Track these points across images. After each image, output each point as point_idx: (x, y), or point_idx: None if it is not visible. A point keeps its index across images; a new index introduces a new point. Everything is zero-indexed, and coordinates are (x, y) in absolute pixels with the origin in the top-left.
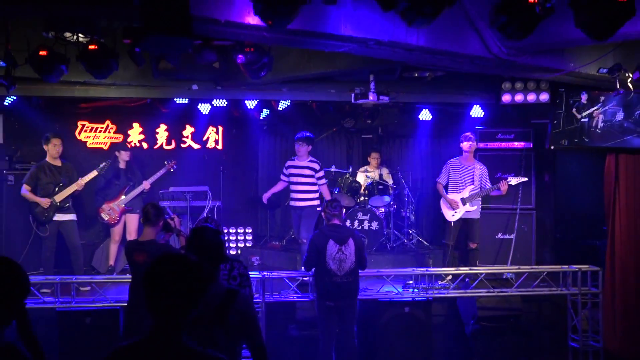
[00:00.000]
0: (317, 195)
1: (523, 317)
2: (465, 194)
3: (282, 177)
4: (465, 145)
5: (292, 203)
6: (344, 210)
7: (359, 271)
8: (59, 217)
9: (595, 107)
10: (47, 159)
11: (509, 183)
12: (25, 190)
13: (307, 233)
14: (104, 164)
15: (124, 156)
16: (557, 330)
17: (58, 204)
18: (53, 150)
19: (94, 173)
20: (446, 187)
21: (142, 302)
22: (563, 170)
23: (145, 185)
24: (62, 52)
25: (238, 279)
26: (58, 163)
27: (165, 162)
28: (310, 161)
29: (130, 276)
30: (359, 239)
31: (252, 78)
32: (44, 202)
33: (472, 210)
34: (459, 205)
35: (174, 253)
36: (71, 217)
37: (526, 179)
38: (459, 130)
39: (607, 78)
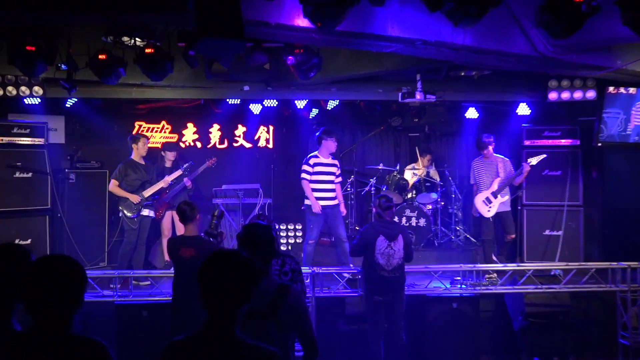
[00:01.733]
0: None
1: (571, 313)
2: (495, 187)
3: (306, 175)
4: (484, 152)
5: (321, 203)
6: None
7: (406, 266)
8: (144, 212)
9: None
10: (134, 157)
11: (530, 164)
12: (114, 185)
13: (345, 231)
14: (187, 164)
15: (169, 156)
16: (606, 327)
17: (146, 199)
18: (142, 149)
19: (179, 172)
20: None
21: (189, 298)
22: (611, 167)
23: (186, 181)
24: (121, 55)
25: (290, 274)
26: (143, 162)
27: (206, 159)
28: (333, 158)
29: (174, 272)
30: (408, 235)
31: (302, 78)
32: (135, 197)
33: (504, 201)
34: (492, 198)
35: (226, 250)
36: (150, 213)
37: (545, 155)
38: (506, 128)
39: None
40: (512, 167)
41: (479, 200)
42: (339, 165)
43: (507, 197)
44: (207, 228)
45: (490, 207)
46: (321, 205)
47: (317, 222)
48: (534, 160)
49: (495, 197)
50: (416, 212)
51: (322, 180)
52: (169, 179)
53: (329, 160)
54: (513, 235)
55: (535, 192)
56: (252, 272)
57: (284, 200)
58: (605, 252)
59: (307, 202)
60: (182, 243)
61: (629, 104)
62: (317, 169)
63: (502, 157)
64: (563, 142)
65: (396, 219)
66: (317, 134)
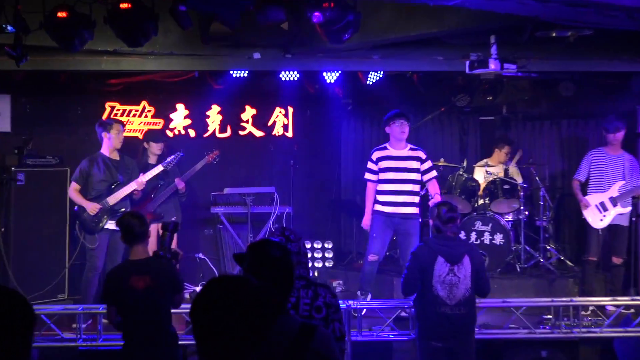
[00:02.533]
0: (419, 198)
1: None
2: (614, 192)
3: (370, 175)
4: (610, 136)
5: (388, 209)
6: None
7: (477, 300)
8: (111, 225)
9: None
10: (104, 150)
11: None
12: (73, 190)
13: None
14: (171, 157)
15: (154, 149)
16: None
17: (111, 208)
18: (116, 139)
19: (157, 169)
20: (585, 186)
21: (145, 346)
22: None
23: (178, 183)
24: (87, 13)
25: (324, 310)
26: (116, 156)
27: (205, 153)
28: (412, 149)
29: (121, 311)
30: (478, 256)
31: (333, 42)
32: (93, 207)
33: (624, 213)
34: (604, 210)
35: (229, 276)
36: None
37: None
38: (615, 109)
39: None
40: (638, 173)
41: (591, 205)
42: (423, 157)
43: (628, 209)
44: (158, 247)
45: (604, 215)
46: (388, 213)
47: (383, 232)
48: None
49: (615, 204)
50: (490, 225)
51: (391, 180)
52: (143, 178)
53: (404, 152)
54: (621, 259)
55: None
56: (264, 307)
57: (309, 208)
58: None
59: (375, 206)
60: (132, 270)
61: None
62: (384, 164)
63: (629, 154)
64: None
65: (463, 234)
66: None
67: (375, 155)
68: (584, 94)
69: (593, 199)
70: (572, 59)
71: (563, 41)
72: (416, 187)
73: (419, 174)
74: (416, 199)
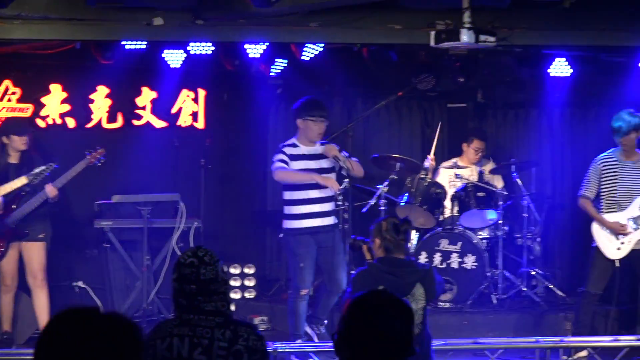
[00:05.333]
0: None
1: None
2: (635, 210)
3: (280, 163)
4: (625, 139)
5: (309, 222)
6: (415, 234)
7: (442, 340)
8: None
9: None
10: None
11: None
12: None
13: (346, 274)
14: (40, 168)
15: (16, 143)
16: None
17: None
18: None
19: (20, 181)
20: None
21: None
22: None
23: (49, 190)
24: None
25: (245, 356)
26: None
27: (87, 153)
28: (323, 144)
29: None
30: (436, 285)
31: (258, 5)
32: None
33: None
34: (627, 228)
35: (80, 308)
36: None
37: None
38: (619, 93)
39: None
40: None
41: (602, 229)
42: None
43: None
44: None
45: (622, 242)
46: (309, 228)
47: (309, 256)
48: None
49: (637, 227)
50: (460, 243)
51: (307, 185)
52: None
53: (317, 148)
54: None
55: None
56: (127, 344)
57: (224, 222)
58: None
59: (288, 223)
60: None
61: None
62: (296, 165)
63: None
64: None
65: (423, 256)
66: (294, 107)
67: (288, 151)
68: (582, 76)
69: (609, 220)
70: (568, 29)
71: (556, 6)
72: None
73: (335, 175)
74: (334, 206)
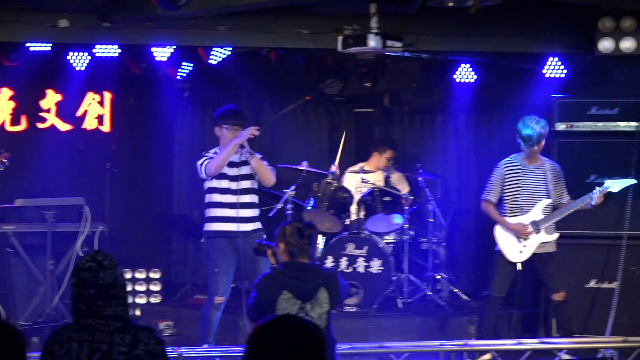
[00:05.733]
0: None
1: None
2: (537, 214)
3: (206, 160)
4: (532, 148)
5: (228, 226)
6: (321, 238)
7: (348, 345)
8: None
9: None
10: None
11: (607, 190)
12: None
13: None
14: None
15: None
16: None
17: None
18: None
19: None
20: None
21: None
22: None
23: None
24: None
25: None
26: None
27: None
28: (248, 152)
29: None
30: (340, 289)
31: (165, 8)
32: None
33: (550, 240)
34: (529, 230)
35: None
36: None
37: (634, 181)
38: (524, 100)
39: None
40: (564, 186)
41: (504, 232)
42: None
43: (555, 236)
44: None
45: (524, 245)
46: (224, 232)
47: (224, 262)
48: (614, 186)
49: (538, 230)
50: (366, 248)
51: (227, 190)
52: None
53: (238, 156)
54: (562, 295)
55: (571, 215)
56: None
57: (130, 227)
58: None
59: (205, 226)
60: None
61: None
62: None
63: (552, 162)
64: (622, 125)
65: (329, 260)
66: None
67: (209, 156)
68: (488, 81)
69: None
70: (474, 36)
71: (462, 13)
72: (255, 198)
73: (256, 181)
74: (257, 212)
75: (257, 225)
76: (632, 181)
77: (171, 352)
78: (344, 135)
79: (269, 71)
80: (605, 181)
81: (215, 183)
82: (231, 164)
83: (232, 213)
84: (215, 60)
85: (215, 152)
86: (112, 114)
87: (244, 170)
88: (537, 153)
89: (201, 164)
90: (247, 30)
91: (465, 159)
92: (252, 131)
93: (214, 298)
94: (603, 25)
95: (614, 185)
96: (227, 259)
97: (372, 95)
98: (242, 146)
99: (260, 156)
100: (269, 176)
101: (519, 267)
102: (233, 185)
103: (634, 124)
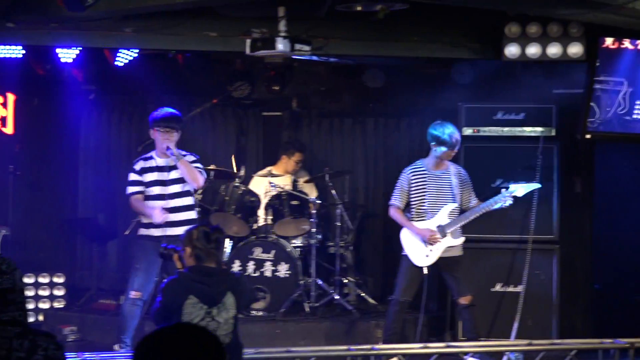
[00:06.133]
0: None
1: None
2: (443, 218)
3: (132, 187)
4: (445, 154)
5: (157, 232)
6: (228, 242)
7: (254, 350)
8: None
9: None
10: None
11: (512, 195)
12: None
13: None
14: None
15: None
16: None
17: None
18: None
19: None
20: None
21: None
22: (606, 176)
23: None
24: None
25: None
26: None
27: None
28: (175, 154)
29: None
30: (247, 293)
31: (71, 9)
32: None
33: (456, 244)
34: (436, 235)
35: None
36: None
37: (539, 185)
38: (431, 104)
39: None
40: (472, 190)
41: (411, 236)
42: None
43: (461, 240)
44: None
45: (430, 250)
46: (156, 237)
47: (149, 262)
48: (518, 190)
49: (444, 234)
50: (273, 252)
51: (158, 195)
52: None
53: (171, 161)
54: (469, 299)
55: (476, 219)
56: None
57: (33, 230)
58: (594, 321)
59: (139, 231)
60: None
61: (637, 66)
62: (149, 177)
63: (458, 167)
64: (528, 130)
65: (236, 264)
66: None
67: (139, 166)
68: (396, 86)
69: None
70: (382, 40)
71: (371, 17)
72: (188, 201)
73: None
74: (190, 216)
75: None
76: (537, 185)
77: (75, 357)
78: (232, 158)
79: (176, 74)
80: (510, 185)
81: (147, 191)
82: (161, 169)
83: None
84: (121, 62)
85: (150, 157)
86: (16, 115)
87: (173, 174)
88: (445, 159)
89: (128, 194)
90: (154, 32)
91: (373, 163)
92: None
93: (130, 292)
94: (509, 30)
95: (519, 189)
96: (148, 258)
97: (280, 99)
98: (168, 148)
99: (194, 158)
100: (194, 178)
101: (426, 271)
102: (162, 191)
103: (539, 129)
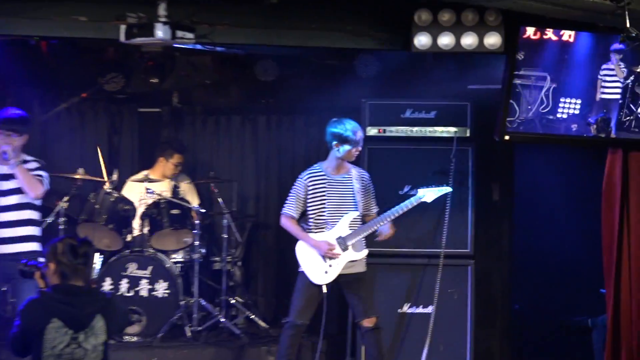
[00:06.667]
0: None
1: None
2: (344, 229)
3: None
4: (347, 154)
5: None
6: (98, 257)
7: None
8: None
9: None
10: None
11: (420, 200)
12: None
13: None
14: None
15: None
16: None
17: None
18: None
19: None
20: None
21: None
22: (527, 182)
23: None
24: None
25: None
26: None
27: None
28: (27, 162)
29: None
30: (120, 316)
31: None
32: None
33: (359, 258)
34: (335, 248)
35: None
36: None
37: (449, 189)
38: (334, 101)
39: (609, 7)
40: (373, 196)
41: (307, 250)
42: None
43: (364, 253)
44: None
45: (330, 265)
46: None
47: None
48: (427, 196)
49: (345, 247)
50: (150, 268)
51: None
52: None
53: (3, 169)
54: (374, 320)
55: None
56: None
57: None
58: (511, 345)
59: None
60: None
61: (561, 60)
62: None
63: (360, 170)
64: (440, 131)
65: (107, 282)
66: None
67: None
68: (291, 80)
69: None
70: (276, 28)
71: (263, 2)
72: (28, 215)
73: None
74: (31, 232)
75: (26, 246)
76: (448, 189)
77: None
78: (99, 151)
79: (40, 63)
80: (418, 190)
81: None
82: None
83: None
84: None
85: None
86: None
87: (10, 184)
88: (346, 161)
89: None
90: (14, 15)
91: (265, 167)
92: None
93: None
94: (419, 18)
95: (428, 194)
96: None
97: (159, 93)
98: (5, 153)
99: (37, 165)
100: (31, 186)
101: (325, 290)
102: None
103: (452, 129)
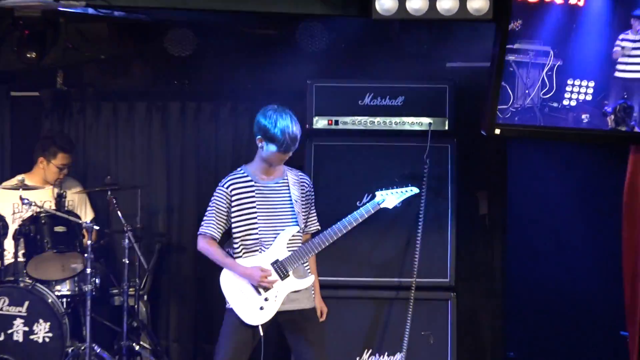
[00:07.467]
0: None
1: None
2: (281, 250)
3: None
4: (278, 156)
5: None
6: None
7: None
8: None
9: None
10: None
11: (379, 207)
12: None
13: None
14: None
15: None
16: None
17: None
18: None
19: None
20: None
21: None
22: (523, 189)
23: None
24: None
25: None
26: None
27: None
28: None
29: None
30: None
31: None
32: None
33: (303, 287)
34: (271, 275)
35: None
36: None
37: (416, 190)
38: (270, 82)
39: None
40: (313, 205)
41: (235, 281)
42: None
43: (310, 280)
44: None
45: (266, 299)
46: None
47: None
48: (388, 201)
49: (284, 274)
50: (26, 303)
51: None
52: None
53: None
54: None
55: (330, 253)
56: None
57: None
58: None
59: None
60: None
61: (568, 29)
62: None
63: (299, 173)
64: (409, 123)
65: None
66: None
67: None
68: (213, 55)
69: (243, 268)
70: None
71: None
72: None
73: None
74: None
75: None
76: (414, 190)
77: None
78: None
79: None
80: (376, 193)
81: None
82: None
83: None
84: None
85: None
86: None
87: None
88: (279, 162)
89: None
90: None
91: (178, 170)
92: None
93: None
94: None
95: (389, 198)
96: None
97: (38, 72)
98: None
99: None
100: None
101: (261, 331)
102: None
103: (425, 119)
